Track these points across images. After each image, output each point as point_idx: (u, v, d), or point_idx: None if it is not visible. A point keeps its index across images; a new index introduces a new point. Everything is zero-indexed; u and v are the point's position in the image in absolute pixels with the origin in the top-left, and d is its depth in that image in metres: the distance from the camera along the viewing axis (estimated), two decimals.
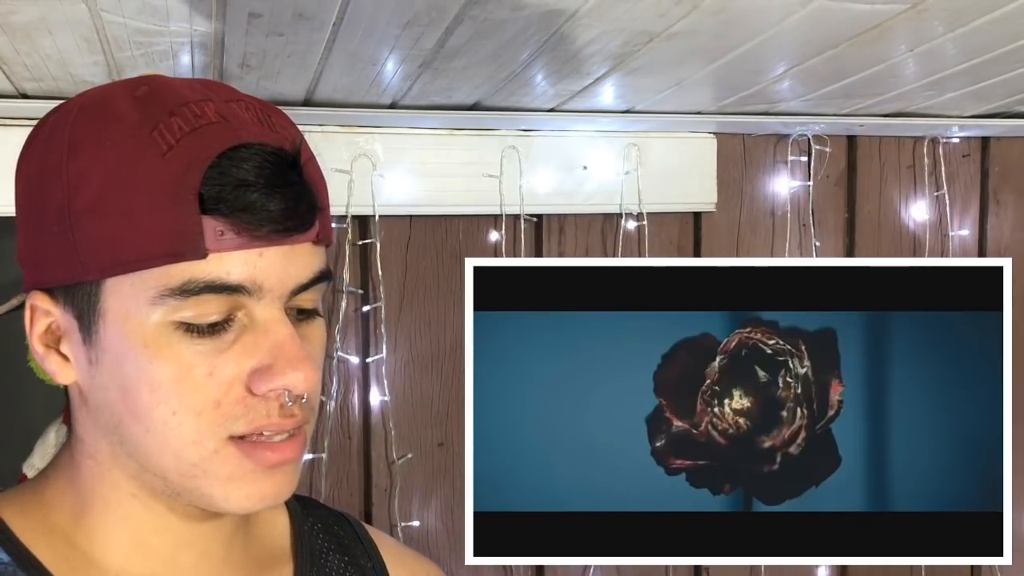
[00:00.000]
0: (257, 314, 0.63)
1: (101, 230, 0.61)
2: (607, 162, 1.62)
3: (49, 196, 0.63)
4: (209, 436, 0.63)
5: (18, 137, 1.40)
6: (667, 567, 1.70)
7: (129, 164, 0.60)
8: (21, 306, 0.70)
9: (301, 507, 0.83)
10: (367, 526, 0.87)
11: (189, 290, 0.61)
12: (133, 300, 0.62)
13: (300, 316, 0.67)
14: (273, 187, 0.61)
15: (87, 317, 0.64)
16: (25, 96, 1.33)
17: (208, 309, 0.62)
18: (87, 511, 0.69)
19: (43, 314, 0.67)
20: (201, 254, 0.60)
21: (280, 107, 0.69)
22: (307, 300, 0.66)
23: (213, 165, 0.60)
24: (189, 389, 0.62)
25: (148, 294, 0.61)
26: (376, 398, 1.59)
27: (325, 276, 0.67)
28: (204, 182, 0.60)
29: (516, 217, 1.61)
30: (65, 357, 0.67)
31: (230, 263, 0.61)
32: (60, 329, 0.66)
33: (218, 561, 0.72)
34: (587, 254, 1.66)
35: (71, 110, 0.65)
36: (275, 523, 0.80)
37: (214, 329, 0.62)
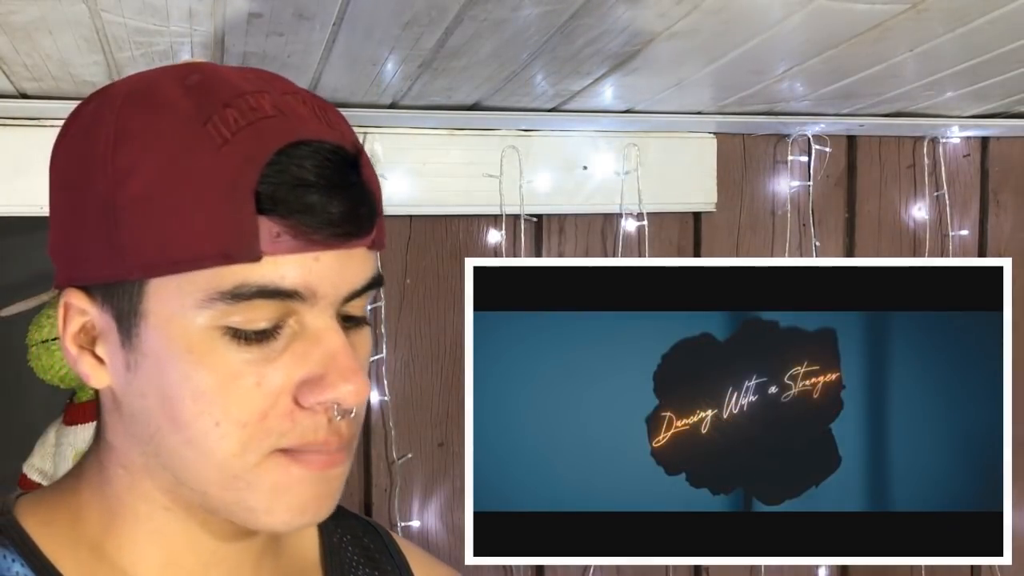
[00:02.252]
0: (309, 322, 0.59)
1: (148, 227, 0.57)
2: (607, 162, 1.62)
3: (91, 188, 0.59)
4: (253, 449, 0.59)
5: (18, 137, 1.40)
6: (667, 567, 1.70)
7: (181, 158, 0.56)
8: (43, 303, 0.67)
9: (330, 516, 0.81)
10: (396, 537, 0.83)
11: (240, 294, 0.57)
12: (179, 302, 0.58)
13: (348, 323, 0.62)
14: (334, 188, 0.57)
15: (127, 319, 0.60)
16: (25, 96, 1.32)
17: (258, 315, 0.58)
18: (116, 523, 0.65)
19: (78, 313, 0.62)
20: (255, 256, 0.56)
21: None
22: (357, 307, 0.63)
23: (271, 162, 0.56)
24: (235, 399, 0.58)
25: (196, 296, 0.57)
26: (376, 398, 1.59)
27: (378, 282, 0.63)
28: (261, 180, 0.56)
29: (516, 217, 1.61)
30: (100, 360, 0.62)
31: (285, 267, 0.57)
32: (96, 330, 0.62)
33: None
34: (587, 254, 1.66)
35: (115, 97, 0.60)
36: (304, 535, 0.77)
37: (263, 336, 0.58)
